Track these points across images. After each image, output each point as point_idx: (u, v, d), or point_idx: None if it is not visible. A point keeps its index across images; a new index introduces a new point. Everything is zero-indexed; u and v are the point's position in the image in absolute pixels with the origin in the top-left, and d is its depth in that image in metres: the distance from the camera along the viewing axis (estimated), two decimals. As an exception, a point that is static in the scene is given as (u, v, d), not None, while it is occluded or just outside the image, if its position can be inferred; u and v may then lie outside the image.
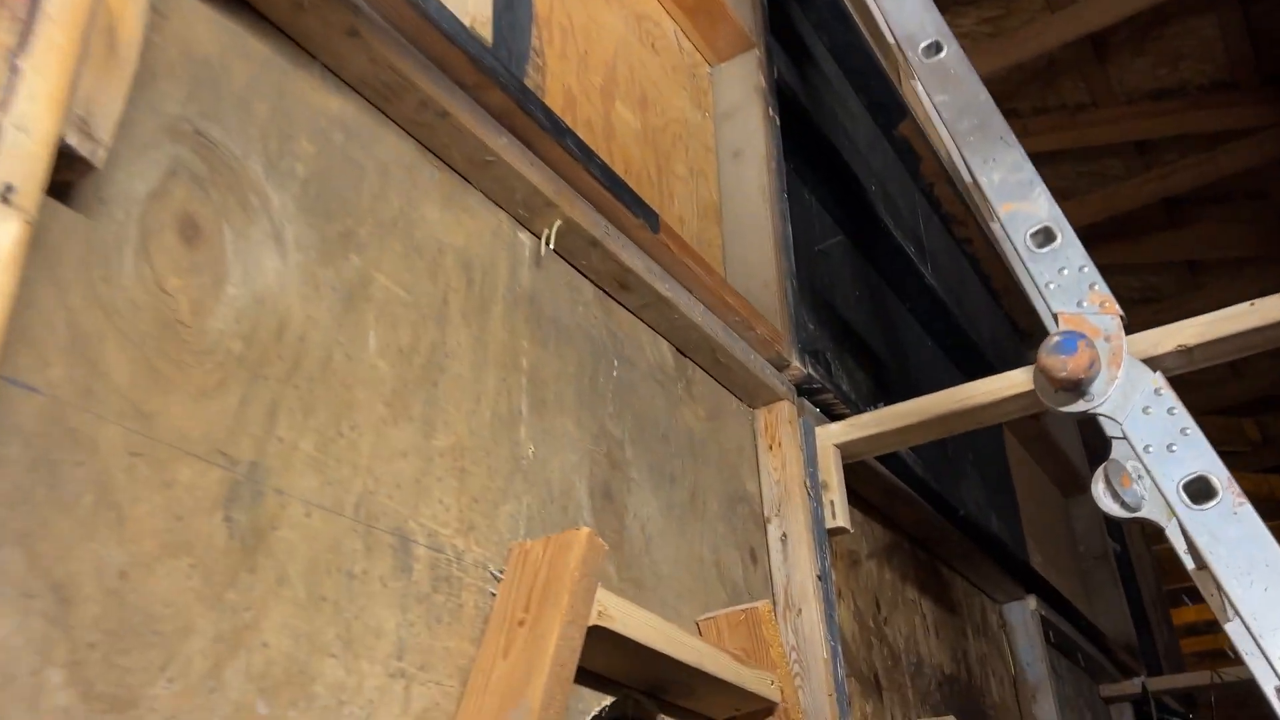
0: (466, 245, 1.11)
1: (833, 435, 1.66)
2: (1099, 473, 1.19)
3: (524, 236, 1.21)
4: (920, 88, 1.29)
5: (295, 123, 0.94)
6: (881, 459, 1.80)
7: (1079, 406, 1.19)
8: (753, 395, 1.61)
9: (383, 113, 1.04)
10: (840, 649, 1.49)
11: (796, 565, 1.51)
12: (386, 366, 0.95)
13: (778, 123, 1.86)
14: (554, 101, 1.37)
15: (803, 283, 1.84)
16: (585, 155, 1.21)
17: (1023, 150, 1.23)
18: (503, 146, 1.11)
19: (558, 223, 1.20)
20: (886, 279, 2.38)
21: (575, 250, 1.25)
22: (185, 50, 0.85)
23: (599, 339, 1.29)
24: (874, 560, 1.98)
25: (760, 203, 1.72)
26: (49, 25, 0.64)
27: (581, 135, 1.28)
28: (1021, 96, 4.05)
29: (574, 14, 1.50)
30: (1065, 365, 1.16)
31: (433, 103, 1.03)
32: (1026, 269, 1.20)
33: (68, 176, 0.69)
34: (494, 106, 1.11)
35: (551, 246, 1.20)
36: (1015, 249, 1.21)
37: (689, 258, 1.39)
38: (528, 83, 1.33)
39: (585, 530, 0.97)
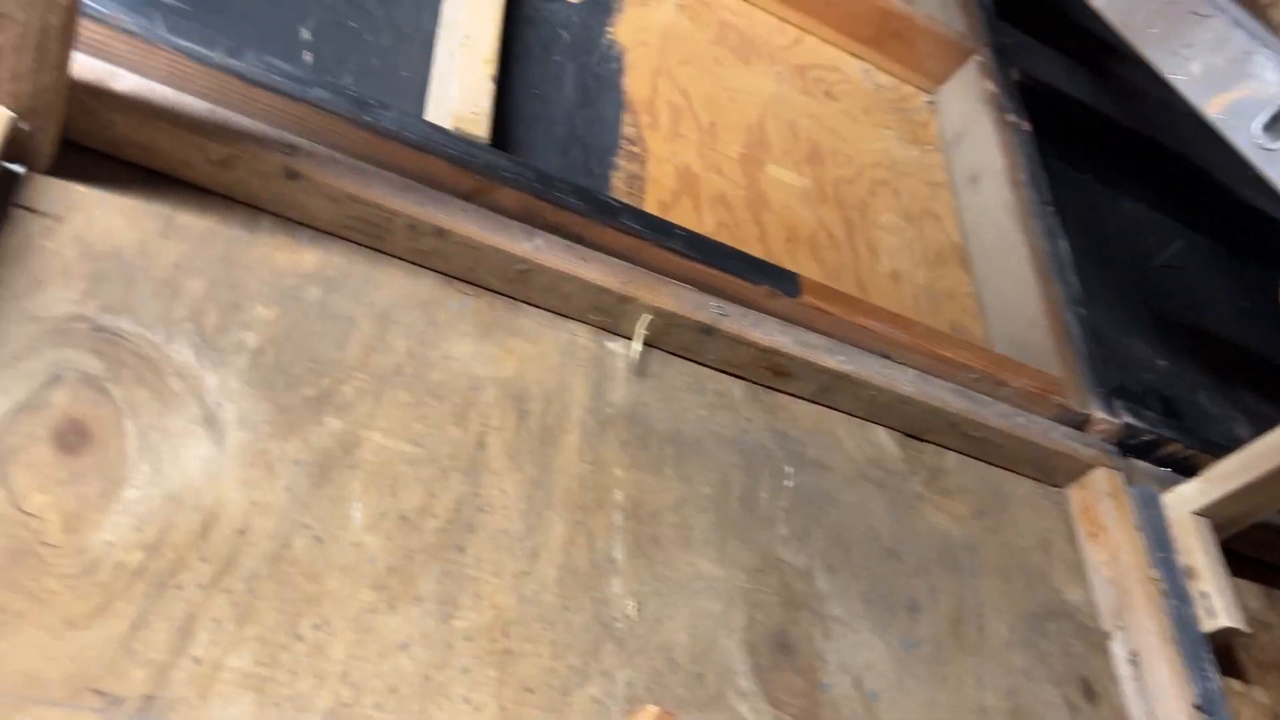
0: (518, 374, 0.92)
1: (1188, 500, 1.18)
2: None
3: (615, 345, 0.99)
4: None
5: (245, 290, 0.83)
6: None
7: None
8: (1049, 470, 1.20)
9: (375, 250, 0.91)
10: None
11: (1159, 694, 1.05)
12: (379, 541, 0.77)
13: (1026, 127, 1.48)
14: (662, 186, 1.17)
15: (1132, 308, 1.40)
16: (657, 230, 0.98)
17: (1230, 12, 0.80)
18: (536, 249, 0.93)
19: (644, 317, 0.97)
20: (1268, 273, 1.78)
21: (688, 344, 1.01)
22: (86, 249, 0.78)
23: (754, 445, 1.01)
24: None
25: (1010, 227, 1.35)
26: None
27: (716, 211, 1.07)
28: None
29: (692, 89, 1.30)
30: None
31: (422, 224, 0.88)
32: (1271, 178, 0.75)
33: None
34: (509, 208, 0.93)
35: (640, 348, 0.97)
36: (1250, 158, 0.77)
37: (868, 316, 1.08)
38: (619, 175, 1.15)
39: (651, 710, 0.69)
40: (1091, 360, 1.25)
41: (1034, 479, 1.21)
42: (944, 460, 1.15)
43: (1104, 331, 1.43)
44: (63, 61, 0.72)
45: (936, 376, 1.13)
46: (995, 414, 1.14)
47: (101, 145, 0.81)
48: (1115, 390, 1.25)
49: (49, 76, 0.71)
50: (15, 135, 0.74)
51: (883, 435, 1.12)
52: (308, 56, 1.00)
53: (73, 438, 0.71)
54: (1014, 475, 1.19)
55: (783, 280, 1.04)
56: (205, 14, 0.96)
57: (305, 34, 1.01)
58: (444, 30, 1.08)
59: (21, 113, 0.74)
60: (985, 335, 1.32)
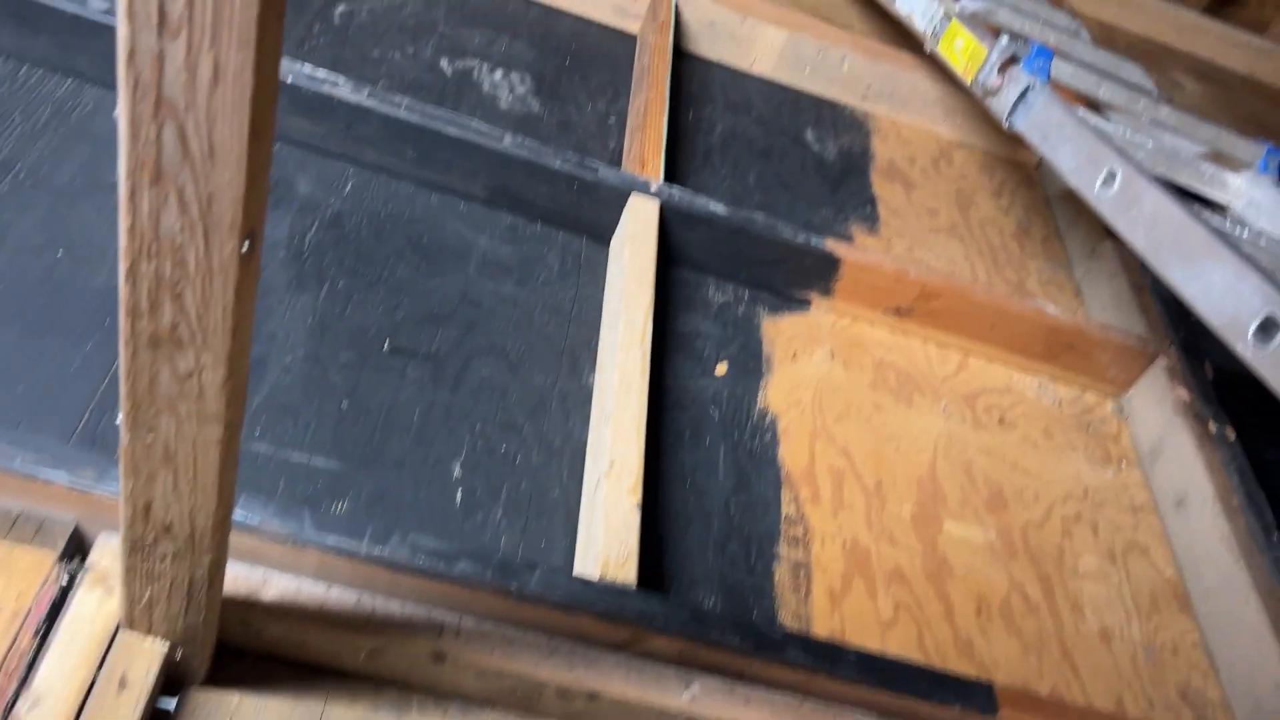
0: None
1: None
2: None
3: (791, 789, 0.90)
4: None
5: (395, 786, 0.80)
6: None
7: None
8: None
9: (528, 713, 0.87)
10: None
11: None
12: None
13: (1231, 436, 1.34)
14: (830, 571, 1.10)
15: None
16: (825, 658, 0.90)
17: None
18: (693, 700, 0.87)
19: (820, 761, 0.88)
20: None
21: (874, 784, 0.91)
22: (238, 763, 0.77)
23: None
24: None
25: (1232, 564, 1.19)
26: None
27: (893, 591, 0.99)
28: None
29: (853, 446, 1.24)
30: None
31: (572, 690, 0.84)
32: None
33: None
34: (665, 653, 0.88)
35: (819, 799, 0.88)
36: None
37: (1079, 722, 0.95)
38: (782, 566, 1.08)
39: None
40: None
41: None
42: None
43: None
44: (213, 602, 0.73)
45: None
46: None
47: (255, 648, 0.82)
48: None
49: (197, 615, 0.73)
50: (169, 662, 0.76)
51: None
52: (459, 496, 1.00)
53: None
54: None
55: (974, 696, 0.93)
56: (359, 469, 0.99)
57: (457, 471, 1.03)
58: (591, 449, 1.07)
59: (175, 642, 0.75)
60: (1223, 698, 1.15)
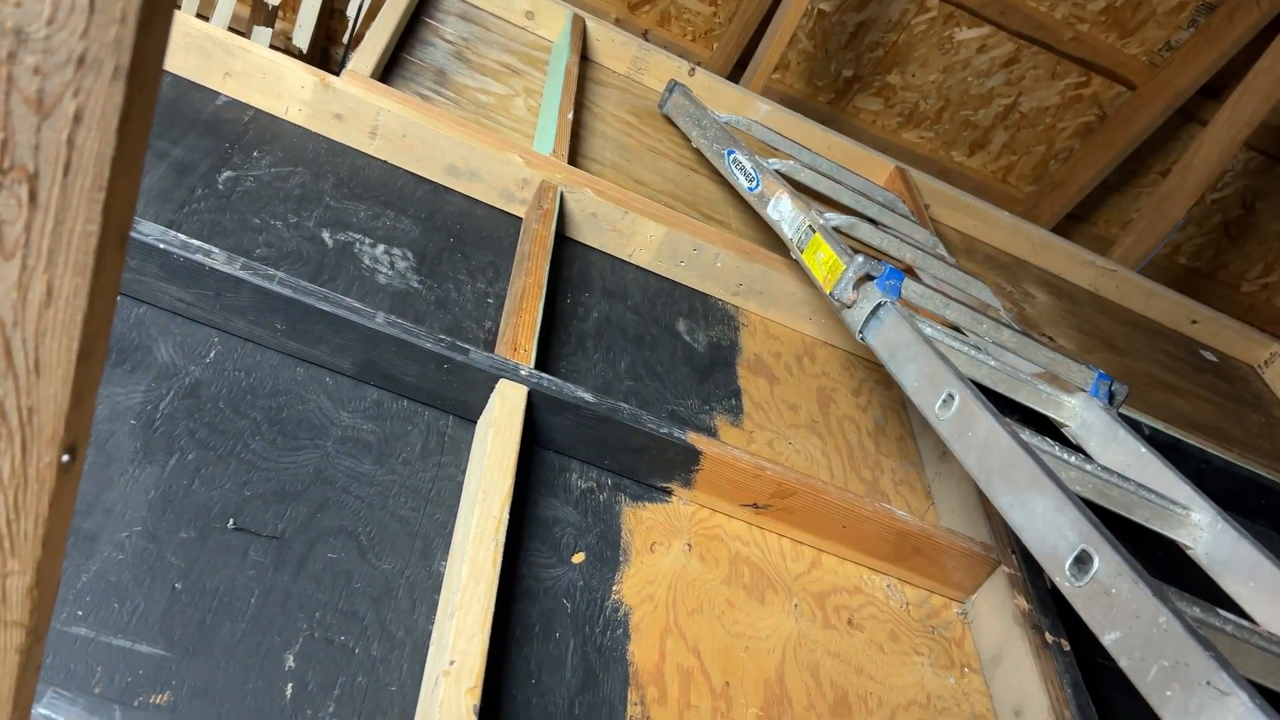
0: None
1: None
2: None
3: None
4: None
5: None
6: None
7: None
8: None
9: None
10: None
11: None
12: None
13: (1066, 648, 1.39)
14: (672, 779, 1.08)
15: None
16: None
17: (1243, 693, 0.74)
18: None
19: None
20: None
21: None
22: None
23: None
24: None
25: (1063, 779, 1.22)
26: None
27: None
28: None
29: (703, 644, 1.25)
30: None
31: None
32: None
33: None
34: None
35: None
36: None
37: None
38: (623, 773, 1.06)
39: None
40: None
41: None
42: None
43: None
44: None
45: None
46: None
47: None
48: None
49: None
50: None
51: None
52: (289, 689, 0.97)
53: None
54: None
55: None
56: (185, 657, 0.95)
57: (290, 662, 0.99)
58: (434, 644, 1.05)
59: None
60: None
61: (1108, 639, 0.84)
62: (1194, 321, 2.88)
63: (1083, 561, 0.88)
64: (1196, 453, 2.05)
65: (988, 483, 1.03)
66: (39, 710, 0.75)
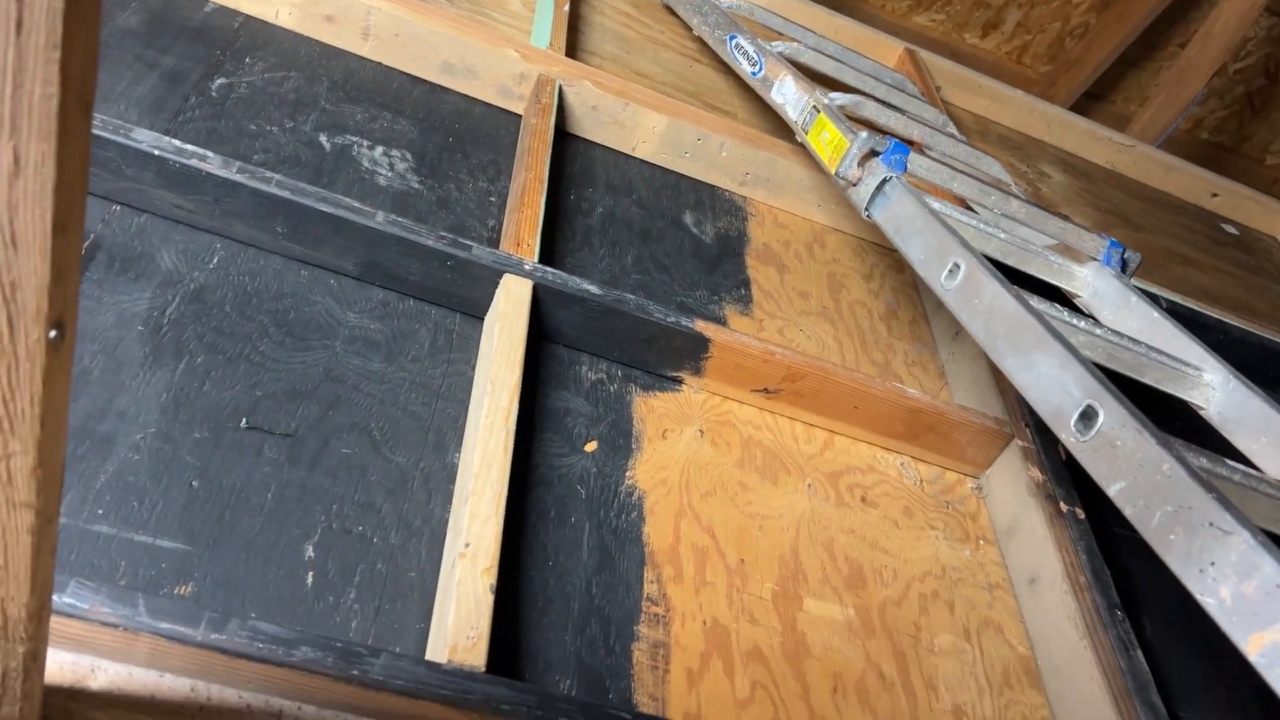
0: None
1: None
2: None
3: None
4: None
5: None
6: None
7: None
8: None
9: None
10: None
11: None
12: None
13: (1080, 515, 1.40)
14: (689, 650, 1.10)
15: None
16: (674, 741, 0.91)
17: (1252, 536, 0.73)
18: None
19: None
20: None
21: None
22: None
23: None
24: None
25: (1077, 640, 1.24)
26: None
27: (752, 670, 1.00)
28: None
29: (718, 525, 1.26)
30: None
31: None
32: None
33: None
34: (511, 739, 0.87)
35: None
36: None
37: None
38: (641, 647, 1.09)
39: None
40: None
41: None
42: None
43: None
44: (29, 692, 0.70)
45: None
46: None
47: (80, 741, 0.78)
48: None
49: (13, 707, 0.70)
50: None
51: None
52: (310, 578, 0.99)
53: None
54: None
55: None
56: (206, 551, 0.97)
57: (309, 552, 1.01)
58: (450, 530, 1.07)
59: (-10, 736, 0.72)
60: (1070, 772, 1.18)
61: (1113, 490, 0.84)
62: (1214, 195, 2.82)
63: (1088, 417, 0.88)
64: (1215, 324, 2.03)
65: (994, 348, 1.02)
66: (64, 599, 0.77)
